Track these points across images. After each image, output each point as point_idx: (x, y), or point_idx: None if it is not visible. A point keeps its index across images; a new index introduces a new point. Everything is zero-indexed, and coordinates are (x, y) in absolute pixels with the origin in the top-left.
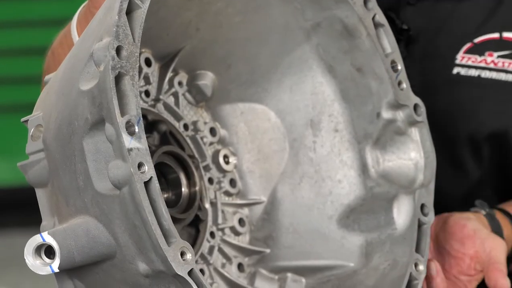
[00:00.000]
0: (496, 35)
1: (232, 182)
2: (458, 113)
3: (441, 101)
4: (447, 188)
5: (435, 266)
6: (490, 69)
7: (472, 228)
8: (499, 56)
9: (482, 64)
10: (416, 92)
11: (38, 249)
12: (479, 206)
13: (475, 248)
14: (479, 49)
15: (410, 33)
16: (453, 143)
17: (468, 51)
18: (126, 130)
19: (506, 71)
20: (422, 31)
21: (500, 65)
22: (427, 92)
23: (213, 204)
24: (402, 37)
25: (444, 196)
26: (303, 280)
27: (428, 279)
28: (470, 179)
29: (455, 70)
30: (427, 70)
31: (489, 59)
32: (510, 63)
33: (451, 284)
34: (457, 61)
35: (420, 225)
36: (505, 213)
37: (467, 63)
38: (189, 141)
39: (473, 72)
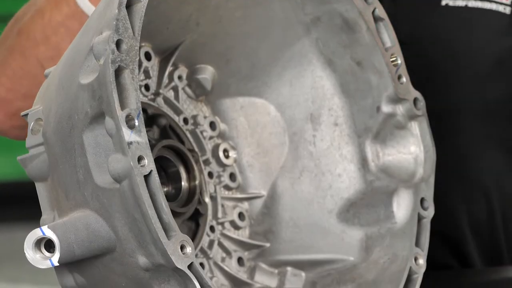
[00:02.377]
0: None
1: (232, 176)
2: (448, 42)
3: (432, 32)
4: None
5: None
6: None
7: None
8: None
9: None
10: (408, 35)
11: (38, 243)
12: None
13: None
14: None
15: None
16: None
17: None
18: (126, 123)
19: (491, 1)
20: None
21: None
22: (418, 25)
23: (213, 198)
24: None
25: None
26: (303, 274)
27: None
28: None
29: (444, 2)
30: (416, 4)
31: None
32: None
33: None
34: None
35: (420, 219)
36: None
37: None
38: (189, 135)
39: (460, 3)
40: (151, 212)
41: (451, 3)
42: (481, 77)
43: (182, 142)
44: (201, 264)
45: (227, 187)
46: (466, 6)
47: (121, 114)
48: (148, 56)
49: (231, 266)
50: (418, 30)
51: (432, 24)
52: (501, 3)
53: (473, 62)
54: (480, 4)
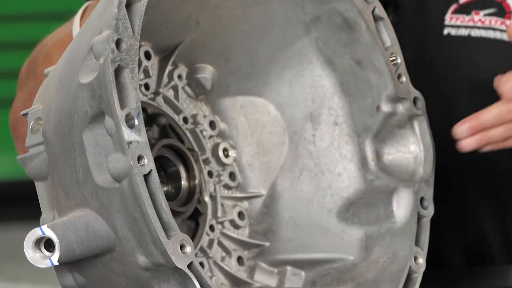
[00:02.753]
0: None
1: (232, 176)
2: (451, 68)
3: (435, 61)
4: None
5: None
6: (479, 28)
7: None
8: (485, 15)
9: (471, 23)
10: (410, 59)
11: (37, 242)
12: None
13: None
14: (465, 9)
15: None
16: (452, 97)
17: (455, 12)
18: (126, 123)
19: (494, 29)
20: None
21: (487, 23)
22: (421, 55)
23: (213, 198)
24: (390, 1)
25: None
26: (303, 273)
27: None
28: None
29: (446, 31)
30: (418, 34)
31: (476, 17)
32: (496, 21)
33: None
34: (446, 22)
35: (419, 218)
36: None
37: (456, 23)
38: (188, 134)
39: (463, 32)
40: (151, 211)
41: (453, 33)
42: (485, 105)
43: (182, 141)
44: (201, 264)
45: (226, 186)
46: (469, 36)
47: (120, 114)
48: (148, 55)
49: (231, 265)
50: (420, 58)
51: (434, 53)
52: (506, 31)
53: (476, 91)
54: (483, 33)
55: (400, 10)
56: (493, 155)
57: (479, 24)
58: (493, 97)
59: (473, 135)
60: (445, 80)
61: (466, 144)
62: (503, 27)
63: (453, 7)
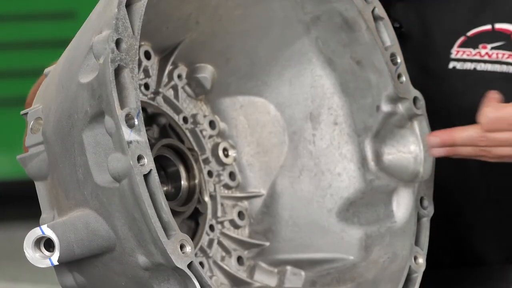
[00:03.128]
0: (488, 27)
1: (232, 175)
2: (455, 101)
3: (439, 94)
4: (448, 181)
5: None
6: (485, 62)
7: None
8: (492, 48)
9: (477, 57)
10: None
11: (37, 242)
12: None
13: None
14: (472, 42)
15: (402, 30)
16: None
17: (462, 45)
18: (126, 122)
19: (501, 62)
20: (414, 28)
21: (494, 56)
22: (425, 87)
23: (213, 197)
24: (395, 32)
25: (444, 189)
26: (303, 273)
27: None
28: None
29: (451, 65)
30: (423, 66)
31: (483, 51)
32: (503, 54)
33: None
34: (452, 56)
35: (419, 218)
36: None
37: (462, 57)
38: (188, 134)
39: (469, 66)
40: (151, 211)
41: (458, 66)
42: None
43: (182, 141)
44: (201, 263)
45: (226, 186)
46: (474, 69)
47: (120, 113)
48: (147, 55)
49: (231, 265)
50: (424, 91)
51: (438, 86)
52: None
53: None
54: (490, 67)
55: (405, 41)
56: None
57: (486, 58)
58: None
59: (443, 147)
60: (449, 113)
61: (435, 152)
62: (510, 60)
63: (460, 40)
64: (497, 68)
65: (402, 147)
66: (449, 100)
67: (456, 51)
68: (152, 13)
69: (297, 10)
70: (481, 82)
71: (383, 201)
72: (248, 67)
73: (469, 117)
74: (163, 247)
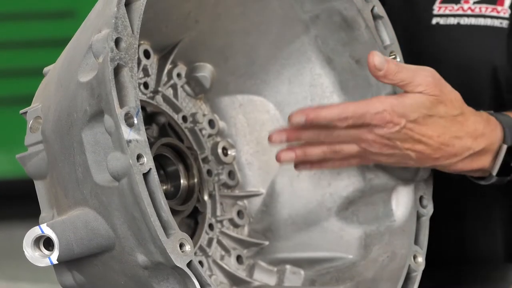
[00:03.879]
0: None
1: (231, 174)
2: (440, 57)
3: (424, 52)
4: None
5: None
6: (468, 16)
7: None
8: (475, 2)
9: (460, 12)
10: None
11: (37, 241)
12: None
13: None
14: None
15: None
16: None
17: (443, 1)
18: (125, 121)
19: (485, 16)
20: None
21: (477, 10)
22: (409, 46)
23: (212, 196)
24: None
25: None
26: (302, 272)
27: None
28: None
29: (434, 21)
30: (406, 27)
31: (465, 6)
32: (487, 8)
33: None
34: (435, 12)
35: (419, 217)
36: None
37: (445, 13)
38: (187, 133)
39: (452, 21)
40: (150, 210)
41: (442, 22)
42: (476, 92)
43: (181, 140)
44: (200, 262)
45: (226, 185)
46: (458, 24)
47: (120, 112)
48: (147, 54)
49: (230, 264)
50: (409, 50)
51: (423, 43)
52: (497, 17)
53: (466, 79)
54: (473, 21)
55: (390, 8)
56: None
57: (469, 12)
58: (484, 83)
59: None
60: (435, 69)
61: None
62: (494, 14)
63: None
64: (481, 21)
65: None
66: (434, 57)
67: (439, 7)
68: (152, 12)
69: (297, 8)
70: (466, 37)
71: (382, 200)
72: (247, 66)
73: (455, 71)
74: (163, 246)
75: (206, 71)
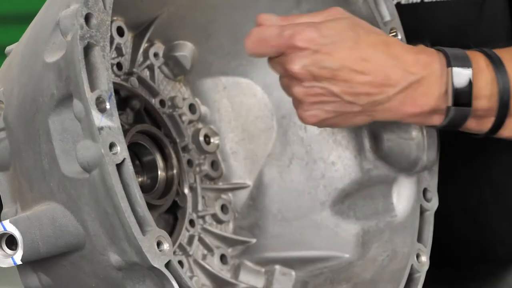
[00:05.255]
0: None
1: (214, 165)
2: (408, 41)
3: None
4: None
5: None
6: None
7: None
8: None
9: None
10: None
11: None
12: None
13: None
14: None
15: None
16: None
17: None
18: (96, 106)
19: None
20: None
21: None
22: None
23: (193, 189)
24: None
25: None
26: (293, 273)
27: None
28: None
29: (395, 1)
30: None
31: None
32: None
33: None
34: None
35: (422, 211)
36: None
37: None
38: (166, 119)
39: None
40: (124, 204)
41: (403, 1)
42: None
43: (159, 127)
44: (180, 262)
45: (208, 177)
46: (422, 2)
47: (90, 96)
48: (120, 32)
49: (213, 264)
50: None
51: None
52: None
53: None
54: None
55: None
56: (488, 144)
57: None
58: None
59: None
60: None
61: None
62: None
63: None
64: None
65: (403, 132)
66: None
67: None
68: None
69: None
70: (430, 14)
71: (381, 192)
72: (231, 44)
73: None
74: (138, 245)
75: (186, 50)
